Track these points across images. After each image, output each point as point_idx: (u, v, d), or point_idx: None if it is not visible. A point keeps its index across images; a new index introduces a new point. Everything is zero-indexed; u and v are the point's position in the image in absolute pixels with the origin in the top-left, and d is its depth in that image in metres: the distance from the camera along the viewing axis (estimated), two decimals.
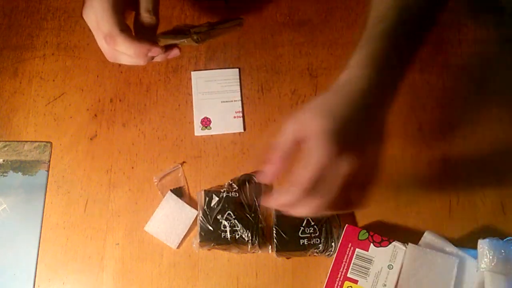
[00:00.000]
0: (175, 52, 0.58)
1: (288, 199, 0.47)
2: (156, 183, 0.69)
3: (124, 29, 0.53)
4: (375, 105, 0.48)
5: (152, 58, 0.57)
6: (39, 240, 0.68)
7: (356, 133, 0.46)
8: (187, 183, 0.70)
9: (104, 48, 0.55)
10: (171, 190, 0.69)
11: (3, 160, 0.71)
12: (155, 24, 0.56)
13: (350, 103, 0.47)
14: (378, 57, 0.49)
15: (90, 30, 0.77)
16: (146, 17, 0.55)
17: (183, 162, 0.70)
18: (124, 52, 0.54)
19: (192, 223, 0.67)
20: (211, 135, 0.72)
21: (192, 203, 0.69)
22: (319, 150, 0.45)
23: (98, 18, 0.53)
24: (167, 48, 0.57)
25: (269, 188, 0.69)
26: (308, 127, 0.46)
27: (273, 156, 0.48)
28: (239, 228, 0.65)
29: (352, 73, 0.49)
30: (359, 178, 0.47)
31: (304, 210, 0.47)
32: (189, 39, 0.58)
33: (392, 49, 0.49)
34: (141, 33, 0.55)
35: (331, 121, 0.45)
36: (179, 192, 0.69)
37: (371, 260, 0.63)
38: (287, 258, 0.67)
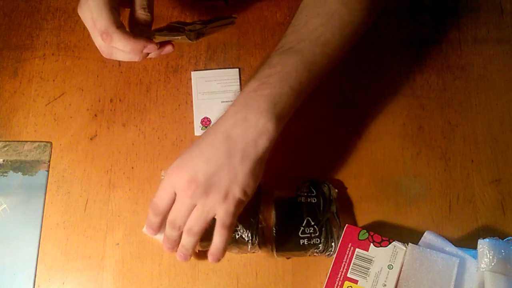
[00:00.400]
0: (168, 48, 0.58)
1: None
2: (163, 177, 0.69)
3: (120, 26, 0.54)
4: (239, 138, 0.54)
5: (147, 54, 0.57)
6: (39, 240, 0.68)
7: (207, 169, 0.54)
8: None
9: (100, 45, 0.56)
10: None
11: (3, 160, 0.71)
12: (150, 20, 0.56)
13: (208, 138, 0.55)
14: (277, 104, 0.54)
15: None
16: (141, 13, 0.55)
17: None
18: (120, 48, 0.55)
19: None
20: None
21: None
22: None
23: (93, 16, 0.53)
24: (162, 44, 0.58)
25: (269, 188, 0.69)
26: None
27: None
28: (239, 228, 0.65)
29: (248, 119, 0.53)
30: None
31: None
32: (184, 37, 0.58)
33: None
34: (136, 30, 0.56)
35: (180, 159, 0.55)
36: None
37: (371, 260, 0.63)
38: (287, 258, 0.67)
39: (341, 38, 0.57)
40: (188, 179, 0.53)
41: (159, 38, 0.57)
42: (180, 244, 0.57)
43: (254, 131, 0.52)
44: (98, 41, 0.55)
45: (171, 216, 0.56)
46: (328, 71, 0.58)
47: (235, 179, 0.53)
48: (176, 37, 0.58)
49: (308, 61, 0.55)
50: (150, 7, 0.56)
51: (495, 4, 0.76)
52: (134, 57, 0.56)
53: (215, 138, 0.53)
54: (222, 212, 0.54)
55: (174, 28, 0.59)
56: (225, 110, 0.55)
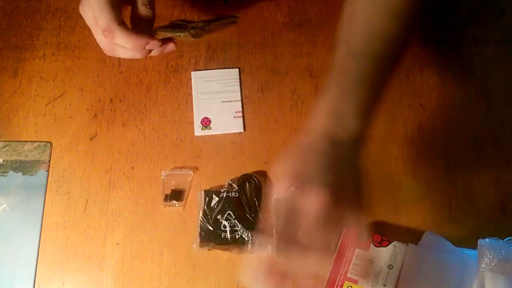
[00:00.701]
0: (170, 46, 0.58)
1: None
2: (163, 177, 0.69)
3: (121, 22, 0.54)
4: (343, 143, 0.52)
5: (150, 51, 0.57)
6: (39, 240, 0.68)
7: (316, 172, 0.50)
8: (189, 189, 0.69)
9: (102, 42, 0.56)
10: (172, 190, 0.69)
11: (3, 160, 0.71)
12: (152, 17, 0.56)
13: (315, 147, 0.51)
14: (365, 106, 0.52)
15: (90, 30, 0.77)
16: (142, 10, 0.55)
17: (196, 169, 0.70)
18: (122, 45, 0.55)
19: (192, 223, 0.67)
20: (211, 135, 0.72)
21: (191, 203, 0.69)
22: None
23: (95, 13, 0.53)
24: (164, 42, 0.58)
25: (269, 188, 0.69)
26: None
27: None
28: (239, 228, 0.65)
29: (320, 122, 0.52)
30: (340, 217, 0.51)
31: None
32: (186, 33, 0.58)
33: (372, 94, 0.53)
34: (138, 26, 0.56)
35: (294, 164, 0.51)
36: (178, 195, 0.69)
37: (371, 260, 0.63)
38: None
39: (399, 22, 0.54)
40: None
41: (161, 35, 0.57)
42: None
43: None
44: (100, 39, 0.55)
45: None
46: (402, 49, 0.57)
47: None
48: (178, 34, 0.58)
49: (380, 57, 0.54)
50: (151, 3, 0.56)
51: (495, 4, 0.76)
52: (137, 54, 0.56)
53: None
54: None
55: (177, 26, 0.59)
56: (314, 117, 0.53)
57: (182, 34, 0.58)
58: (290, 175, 0.51)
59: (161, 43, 0.56)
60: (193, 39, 0.59)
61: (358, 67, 0.53)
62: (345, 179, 0.51)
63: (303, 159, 0.51)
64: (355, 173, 0.52)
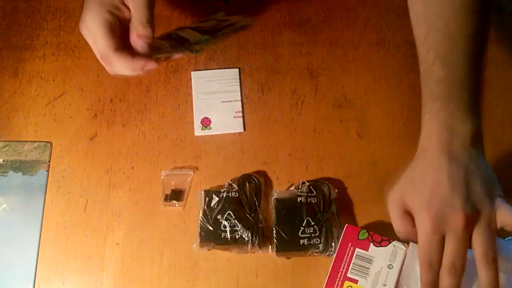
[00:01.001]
0: (166, 60, 0.59)
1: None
2: (163, 177, 0.69)
3: (118, 47, 0.53)
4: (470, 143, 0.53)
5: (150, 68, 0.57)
6: (39, 240, 0.68)
7: (457, 185, 0.51)
8: (189, 189, 0.69)
9: (102, 63, 0.56)
10: (172, 190, 0.69)
11: (3, 160, 0.71)
12: (151, 35, 0.55)
13: (442, 157, 0.52)
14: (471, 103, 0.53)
15: None
16: (140, 29, 0.55)
17: (196, 169, 0.70)
18: (120, 69, 0.55)
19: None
20: (211, 135, 0.72)
21: (191, 203, 0.69)
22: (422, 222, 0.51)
23: (92, 37, 0.54)
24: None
25: (269, 188, 0.69)
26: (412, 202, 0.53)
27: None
28: (239, 228, 0.65)
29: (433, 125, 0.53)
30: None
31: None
32: (187, 52, 0.57)
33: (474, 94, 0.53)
34: (138, 44, 0.55)
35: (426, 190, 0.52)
36: (178, 195, 0.69)
37: (371, 260, 0.63)
38: (287, 258, 0.67)
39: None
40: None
41: (161, 53, 0.56)
42: None
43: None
44: (99, 60, 0.56)
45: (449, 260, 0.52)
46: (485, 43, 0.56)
47: None
48: (178, 54, 0.57)
49: (472, 55, 0.53)
50: (150, 21, 0.55)
51: (495, 4, 0.76)
52: (137, 73, 0.56)
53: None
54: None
55: (178, 42, 0.57)
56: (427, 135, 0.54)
57: (182, 54, 0.57)
58: (426, 204, 0.51)
59: (159, 63, 0.56)
60: (194, 54, 0.58)
61: (451, 73, 0.52)
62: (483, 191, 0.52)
63: (434, 182, 0.51)
64: (490, 178, 0.54)
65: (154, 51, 0.56)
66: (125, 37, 0.55)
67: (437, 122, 0.52)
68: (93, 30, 0.54)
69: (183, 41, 0.58)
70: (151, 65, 0.55)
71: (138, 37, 0.54)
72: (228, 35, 0.61)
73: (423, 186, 0.52)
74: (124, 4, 0.55)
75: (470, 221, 0.51)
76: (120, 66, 0.54)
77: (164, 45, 0.58)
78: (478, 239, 0.52)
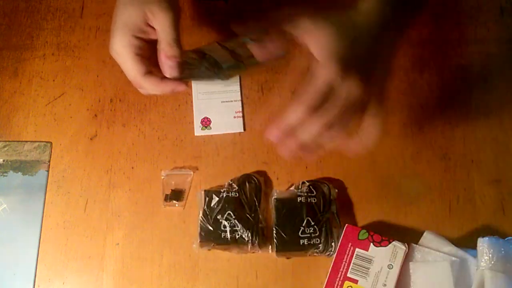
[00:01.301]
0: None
1: (292, 118, 0.48)
2: (163, 177, 0.69)
3: (146, 72, 0.54)
4: (387, 39, 0.51)
5: None
6: (39, 240, 0.68)
7: (364, 59, 0.49)
8: (189, 189, 0.69)
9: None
10: (172, 190, 0.69)
11: (3, 160, 0.71)
12: (178, 54, 0.55)
13: (365, 30, 0.49)
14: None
15: (90, 30, 0.77)
16: (168, 50, 0.54)
17: (196, 169, 0.70)
18: (151, 91, 0.56)
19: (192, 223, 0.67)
20: (211, 135, 0.72)
21: (191, 203, 0.69)
22: (325, 69, 0.47)
23: (122, 62, 0.55)
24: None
25: (269, 188, 0.69)
26: (316, 43, 0.48)
27: None
28: (239, 228, 0.65)
29: (371, 5, 0.50)
30: (364, 106, 0.49)
31: (306, 133, 0.48)
32: (216, 79, 0.57)
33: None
34: (167, 64, 0.55)
35: (341, 43, 0.47)
36: (178, 195, 0.69)
37: (371, 260, 0.63)
38: (287, 258, 0.67)
39: None
40: None
41: (190, 77, 0.57)
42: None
43: None
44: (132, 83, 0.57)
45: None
46: None
47: None
48: (208, 81, 0.57)
49: None
50: (176, 41, 0.55)
51: (495, 4, 0.76)
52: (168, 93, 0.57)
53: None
54: None
55: (211, 64, 0.56)
56: None
57: (211, 81, 0.57)
58: (336, 58, 0.47)
59: (188, 84, 0.57)
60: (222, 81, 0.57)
61: None
62: (379, 70, 0.50)
63: (352, 41, 0.48)
64: (387, 68, 0.52)
65: (185, 66, 0.55)
66: (155, 56, 0.55)
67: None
68: (121, 56, 0.54)
69: (215, 64, 0.57)
70: (180, 87, 0.56)
71: (166, 58, 0.54)
72: (260, 66, 0.58)
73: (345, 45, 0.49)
74: (149, 26, 0.55)
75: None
76: (150, 89, 0.55)
77: (195, 63, 0.57)
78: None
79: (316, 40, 0.48)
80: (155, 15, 0.54)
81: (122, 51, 0.54)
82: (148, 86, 0.55)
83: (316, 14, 0.49)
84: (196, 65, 0.57)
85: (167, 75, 0.55)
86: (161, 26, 0.54)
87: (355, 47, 0.48)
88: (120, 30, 0.54)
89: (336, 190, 0.68)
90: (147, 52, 0.55)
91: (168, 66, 0.54)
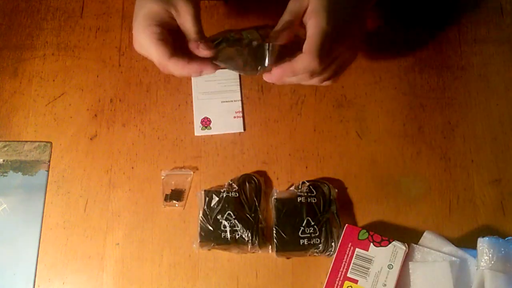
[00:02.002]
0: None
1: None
2: (163, 177, 0.69)
3: (172, 54, 0.53)
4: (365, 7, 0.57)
5: None
6: (39, 240, 0.68)
7: (347, 37, 0.55)
8: (189, 189, 0.69)
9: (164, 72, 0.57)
10: (172, 190, 0.69)
11: (3, 160, 0.71)
12: (205, 46, 0.54)
13: (352, 9, 0.55)
14: None
15: (90, 30, 0.77)
16: (193, 44, 0.54)
17: (196, 169, 0.70)
18: (179, 74, 0.55)
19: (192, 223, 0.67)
20: (211, 135, 0.72)
21: (191, 203, 0.69)
22: (310, 60, 0.52)
23: (147, 52, 0.55)
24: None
25: (269, 188, 0.69)
26: (313, 28, 0.52)
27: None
28: (239, 228, 0.65)
29: None
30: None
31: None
32: (249, 72, 0.56)
33: None
34: (197, 52, 0.55)
35: (333, 31, 0.52)
36: (178, 195, 0.69)
37: (371, 260, 0.63)
38: (287, 258, 0.67)
39: None
40: None
41: (222, 63, 0.55)
42: None
43: None
44: (162, 70, 0.57)
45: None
46: None
47: None
48: (240, 68, 0.56)
49: None
50: (198, 32, 0.55)
51: (495, 4, 0.76)
52: (198, 76, 0.58)
53: None
54: None
55: (253, 53, 0.55)
56: None
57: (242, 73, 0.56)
58: (323, 52, 0.52)
59: (216, 69, 0.56)
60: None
61: None
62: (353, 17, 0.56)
63: (341, 25, 0.53)
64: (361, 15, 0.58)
65: (221, 49, 0.55)
66: (180, 41, 0.55)
67: None
68: (145, 45, 0.54)
69: (256, 52, 0.55)
70: (208, 69, 0.55)
71: (195, 47, 0.54)
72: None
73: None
74: (171, 17, 0.55)
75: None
76: (178, 72, 0.55)
77: (237, 47, 0.55)
78: None
79: (314, 25, 0.52)
80: (177, 8, 0.54)
81: (145, 40, 0.54)
82: (174, 68, 0.54)
83: None
84: (238, 50, 0.56)
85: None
86: (182, 21, 0.54)
87: (343, 29, 0.53)
88: (142, 22, 0.54)
89: (336, 190, 0.68)
90: (170, 38, 0.55)
91: (200, 53, 0.54)
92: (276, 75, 0.54)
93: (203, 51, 0.54)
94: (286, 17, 0.55)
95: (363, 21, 0.59)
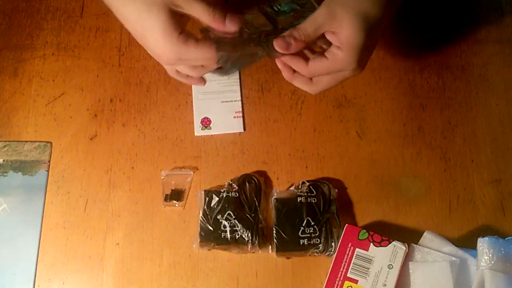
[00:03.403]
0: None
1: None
2: (163, 177, 0.69)
3: (180, 33, 0.50)
4: (386, 21, 0.55)
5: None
6: (39, 240, 0.68)
7: (372, 46, 0.54)
8: (189, 189, 0.69)
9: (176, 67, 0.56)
10: (172, 190, 0.69)
11: (3, 160, 0.71)
12: (232, 22, 0.53)
13: (377, 21, 0.53)
14: None
15: (90, 30, 0.77)
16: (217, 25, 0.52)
17: (196, 169, 0.70)
18: (199, 59, 0.52)
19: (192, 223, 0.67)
20: (211, 135, 0.72)
21: (191, 203, 0.69)
22: (346, 57, 0.52)
23: (161, 49, 0.51)
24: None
25: (269, 188, 0.69)
26: (344, 33, 0.51)
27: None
28: (239, 228, 0.65)
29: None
30: None
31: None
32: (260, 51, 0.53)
33: None
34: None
35: (364, 40, 0.51)
36: (178, 195, 0.69)
37: (371, 260, 0.63)
38: (287, 258, 0.67)
39: None
40: None
41: (226, 47, 0.52)
42: None
43: None
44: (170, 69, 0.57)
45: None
46: None
47: None
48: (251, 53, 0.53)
49: None
50: (217, 13, 0.52)
51: (495, 4, 0.76)
52: (211, 64, 0.54)
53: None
54: None
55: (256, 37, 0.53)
56: None
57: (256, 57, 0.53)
58: (357, 51, 0.52)
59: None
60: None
61: None
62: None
63: (367, 34, 0.52)
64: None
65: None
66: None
67: None
68: (186, 54, 0.51)
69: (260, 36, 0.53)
70: (231, 26, 0.52)
71: (221, 23, 0.52)
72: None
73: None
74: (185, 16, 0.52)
75: None
76: (193, 58, 0.51)
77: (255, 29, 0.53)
78: None
79: (344, 28, 0.51)
80: (184, 7, 0.51)
81: (186, 49, 0.50)
82: (194, 51, 0.50)
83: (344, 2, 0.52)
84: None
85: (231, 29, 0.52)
86: (195, 9, 0.51)
87: (369, 39, 0.52)
88: (167, 37, 0.50)
89: (336, 190, 0.68)
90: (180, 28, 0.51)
91: (228, 27, 0.52)
92: (311, 70, 0.53)
93: (230, 25, 0.52)
94: (309, 29, 0.51)
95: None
